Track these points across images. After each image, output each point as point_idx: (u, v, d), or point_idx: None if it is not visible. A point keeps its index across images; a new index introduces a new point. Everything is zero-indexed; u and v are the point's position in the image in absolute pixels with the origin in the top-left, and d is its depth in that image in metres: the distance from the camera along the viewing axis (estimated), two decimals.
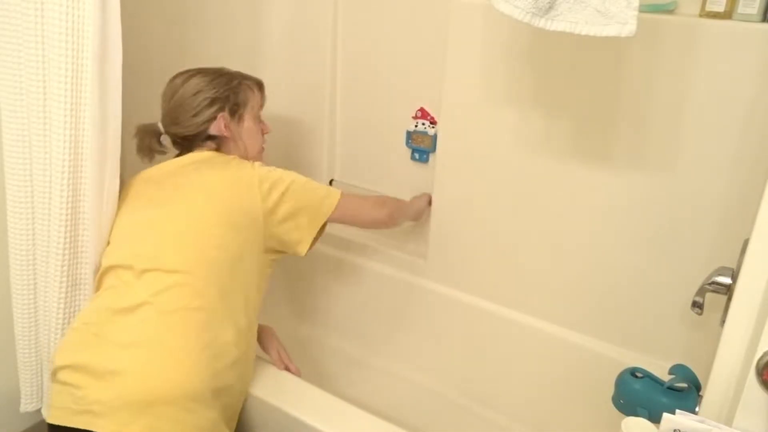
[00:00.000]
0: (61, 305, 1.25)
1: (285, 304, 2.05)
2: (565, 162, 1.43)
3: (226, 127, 1.35)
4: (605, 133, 1.36)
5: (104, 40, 1.13)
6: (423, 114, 1.66)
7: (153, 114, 1.40)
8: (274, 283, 1.80)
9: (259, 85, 1.44)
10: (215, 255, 1.18)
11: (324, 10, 1.72)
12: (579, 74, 1.36)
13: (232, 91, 1.36)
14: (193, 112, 1.32)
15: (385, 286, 1.82)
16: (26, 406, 1.41)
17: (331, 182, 1.89)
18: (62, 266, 1.22)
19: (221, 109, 1.34)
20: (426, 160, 1.70)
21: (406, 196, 1.76)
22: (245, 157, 1.38)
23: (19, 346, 1.35)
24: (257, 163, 1.32)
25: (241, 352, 1.20)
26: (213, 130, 1.34)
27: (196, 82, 1.33)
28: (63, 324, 1.26)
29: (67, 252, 1.22)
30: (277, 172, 1.30)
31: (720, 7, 1.20)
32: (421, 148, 1.69)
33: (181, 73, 1.37)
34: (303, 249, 1.34)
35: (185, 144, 1.36)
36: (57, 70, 1.12)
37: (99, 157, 1.19)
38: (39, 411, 1.42)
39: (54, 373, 1.14)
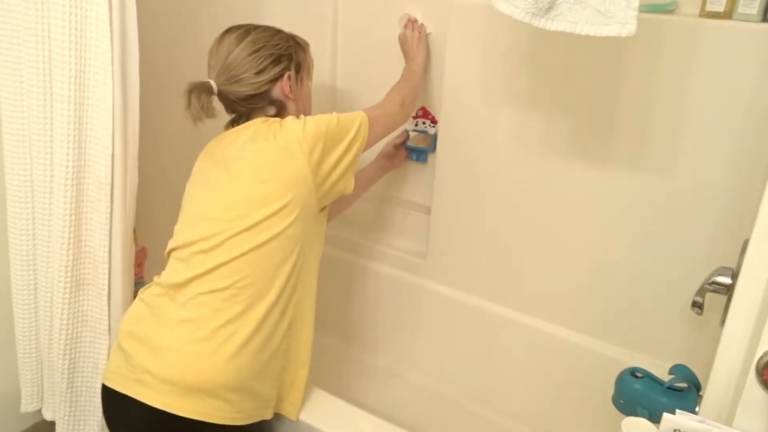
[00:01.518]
0: (65, 306, 1.25)
1: None
2: (565, 162, 1.43)
3: (291, 88, 1.25)
4: (605, 133, 1.36)
5: (124, 39, 1.13)
6: (424, 113, 1.66)
7: (154, 113, 1.39)
8: None
9: (308, 47, 1.34)
10: (262, 238, 1.13)
11: (324, 9, 1.72)
12: (579, 74, 1.36)
13: (294, 49, 1.26)
14: (257, 68, 1.20)
15: (385, 286, 1.82)
16: (26, 406, 1.41)
17: None
18: (66, 267, 1.22)
19: (287, 68, 1.24)
20: (424, 161, 1.70)
21: (407, 196, 1.77)
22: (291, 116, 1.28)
23: (20, 346, 1.35)
24: (292, 120, 1.20)
25: (292, 331, 1.21)
26: (277, 91, 1.23)
27: (256, 37, 1.21)
28: (67, 324, 1.26)
29: (70, 252, 1.22)
30: (311, 126, 1.19)
31: (720, 7, 1.20)
32: (419, 148, 1.68)
33: (235, 28, 1.24)
34: (351, 186, 1.27)
35: (243, 106, 1.23)
36: (61, 69, 1.12)
37: (121, 155, 1.19)
38: (39, 411, 1.42)
39: (117, 337, 1.16)
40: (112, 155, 1.17)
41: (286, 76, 1.23)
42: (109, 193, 1.20)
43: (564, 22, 1.06)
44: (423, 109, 1.66)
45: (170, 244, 1.20)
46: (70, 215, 1.20)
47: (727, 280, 1.00)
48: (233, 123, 1.27)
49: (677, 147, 1.29)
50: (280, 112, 1.26)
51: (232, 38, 1.21)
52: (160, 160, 1.60)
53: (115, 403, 1.13)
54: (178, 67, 1.55)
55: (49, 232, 1.23)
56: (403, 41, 1.59)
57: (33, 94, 1.15)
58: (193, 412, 1.07)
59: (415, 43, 1.55)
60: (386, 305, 1.83)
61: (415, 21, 1.58)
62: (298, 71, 1.27)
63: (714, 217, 1.29)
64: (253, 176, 1.15)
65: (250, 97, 1.21)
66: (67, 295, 1.24)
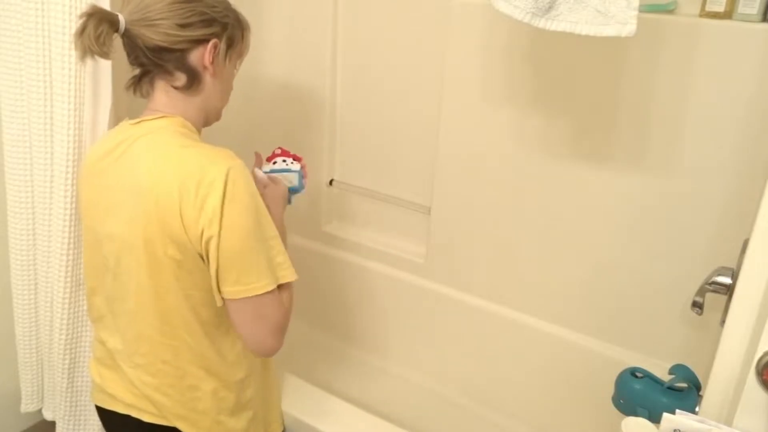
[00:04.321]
0: (66, 305, 1.25)
1: None
2: (564, 162, 1.43)
3: (212, 59, 1.01)
4: (605, 133, 1.36)
5: None
6: (283, 152, 1.31)
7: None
8: None
9: (248, 30, 1.11)
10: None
11: (324, 10, 1.72)
12: (579, 74, 1.36)
13: (233, 22, 1.05)
14: (181, 20, 0.97)
15: (385, 286, 1.81)
16: (27, 406, 1.41)
17: (331, 182, 1.89)
18: (66, 266, 1.22)
19: (217, 36, 1.01)
20: (290, 203, 1.24)
21: (407, 196, 1.76)
22: (203, 110, 1.06)
23: (20, 346, 1.35)
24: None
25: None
26: (195, 56, 0.99)
27: None
28: (67, 324, 1.26)
29: (71, 252, 1.22)
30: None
31: (720, 7, 1.20)
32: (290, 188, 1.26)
33: None
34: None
35: (149, 59, 0.98)
36: (61, 69, 1.12)
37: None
38: (39, 411, 1.42)
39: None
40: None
41: (212, 42, 1.00)
42: None
43: (564, 22, 1.06)
44: (281, 149, 1.32)
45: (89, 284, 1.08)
46: (70, 215, 1.19)
47: (727, 280, 1.00)
48: (134, 89, 1.04)
49: (677, 147, 1.29)
50: (191, 85, 1.01)
51: None
52: None
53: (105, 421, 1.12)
54: None
55: (50, 231, 1.23)
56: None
57: (34, 93, 1.15)
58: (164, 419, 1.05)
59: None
60: (386, 305, 1.83)
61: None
62: (228, 46, 1.04)
63: (714, 217, 1.29)
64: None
65: (160, 50, 0.97)
66: (67, 295, 1.24)
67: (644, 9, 1.23)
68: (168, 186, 0.92)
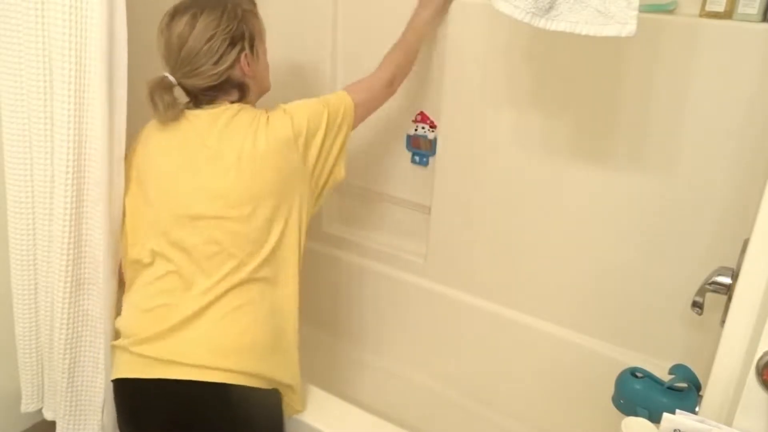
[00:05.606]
0: (66, 305, 1.25)
1: None
2: (564, 161, 1.43)
3: (249, 66, 1.20)
4: (605, 133, 1.36)
5: (111, 39, 1.12)
6: (423, 118, 1.66)
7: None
8: None
9: (255, 5, 1.26)
10: (258, 235, 1.18)
11: (324, 10, 1.72)
12: (579, 74, 1.36)
13: (245, 21, 1.19)
14: (215, 59, 1.15)
15: (385, 286, 1.82)
16: (27, 406, 1.41)
17: None
18: (66, 266, 1.22)
19: (242, 48, 1.18)
20: (426, 164, 1.70)
21: (407, 196, 1.77)
22: (260, 93, 1.29)
23: (20, 346, 1.35)
24: (277, 116, 1.20)
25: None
26: (237, 74, 1.19)
27: (205, 24, 1.14)
28: (67, 324, 1.26)
29: (71, 252, 1.22)
30: (299, 115, 1.20)
31: (720, 7, 1.20)
32: (422, 151, 1.69)
33: (177, 14, 1.16)
34: (343, 174, 1.29)
35: (206, 95, 1.20)
36: (60, 69, 1.11)
37: (106, 157, 1.18)
38: (39, 411, 1.42)
39: (127, 348, 1.18)
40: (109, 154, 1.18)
41: (243, 55, 1.18)
42: (105, 192, 1.20)
43: (564, 22, 1.06)
44: (421, 113, 1.66)
45: (147, 247, 1.20)
46: (71, 215, 1.19)
47: (727, 280, 1.00)
48: (194, 105, 1.23)
49: (677, 147, 1.29)
50: (244, 94, 1.22)
51: (182, 25, 1.14)
52: None
53: (138, 394, 1.16)
54: None
55: (50, 232, 1.23)
56: None
57: (33, 93, 1.15)
58: (226, 377, 1.11)
59: None
60: (386, 305, 1.83)
61: None
62: (252, 45, 1.21)
63: (714, 217, 1.29)
64: (248, 169, 1.15)
65: (209, 87, 1.18)
66: (67, 295, 1.24)
67: (644, 9, 1.23)
68: None
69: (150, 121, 1.24)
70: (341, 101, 1.26)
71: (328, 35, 1.74)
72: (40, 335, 1.34)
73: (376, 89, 1.35)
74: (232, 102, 1.21)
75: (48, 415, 1.41)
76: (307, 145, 1.19)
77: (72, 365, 1.31)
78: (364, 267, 1.84)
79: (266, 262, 1.18)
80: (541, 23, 1.08)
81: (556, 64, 1.38)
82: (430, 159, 1.68)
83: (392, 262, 1.80)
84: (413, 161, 1.72)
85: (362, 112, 1.31)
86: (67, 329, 1.27)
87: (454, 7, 1.48)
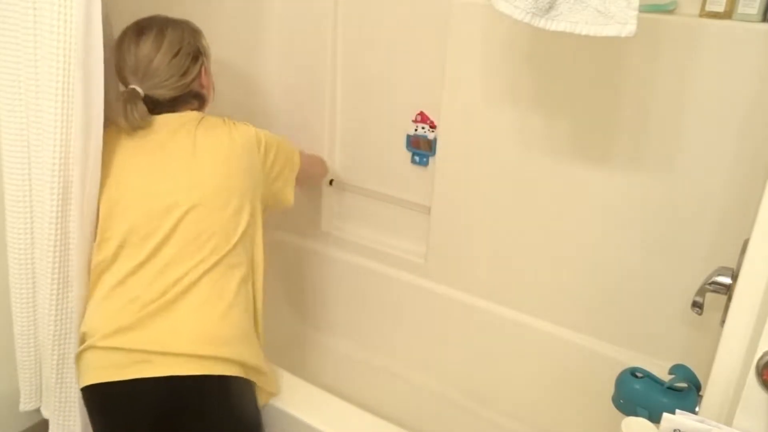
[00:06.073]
0: (53, 304, 1.25)
1: (285, 304, 2.05)
2: (564, 162, 1.43)
3: (206, 79, 1.32)
4: (605, 133, 1.36)
5: (88, 39, 1.12)
6: (423, 118, 1.66)
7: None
8: (274, 283, 1.80)
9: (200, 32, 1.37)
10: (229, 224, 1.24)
11: (324, 10, 1.72)
12: (579, 74, 1.36)
13: (198, 40, 1.31)
14: (182, 71, 1.25)
15: (385, 286, 1.82)
16: (26, 405, 1.41)
17: (331, 182, 1.89)
18: (53, 264, 1.22)
19: (202, 63, 1.30)
20: (426, 164, 1.70)
21: (407, 196, 1.77)
22: (209, 104, 1.38)
23: (18, 345, 1.35)
24: (246, 123, 1.32)
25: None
26: (196, 85, 1.29)
27: (170, 40, 1.24)
28: (55, 323, 1.26)
29: (57, 251, 1.22)
30: (262, 132, 1.34)
31: (720, 7, 1.20)
32: (422, 151, 1.69)
33: (144, 30, 1.24)
34: (291, 199, 1.43)
35: (167, 106, 1.27)
36: (48, 69, 1.11)
37: (82, 157, 1.18)
38: (39, 410, 1.42)
39: (94, 344, 1.17)
40: (83, 151, 1.18)
41: (203, 69, 1.30)
42: (79, 192, 1.20)
43: (564, 22, 1.06)
44: (422, 113, 1.66)
45: (113, 237, 1.22)
46: (57, 214, 1.19)
47: (727, 280, 1.00)
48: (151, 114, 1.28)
49: (677, 147, 1.29)
50: (202, 103, 1.33)
51: (149, 42, 1.23)
52: None
53: (112, 397, 1.14)
54: None
55: (41, 229, 1.23)
56: None
57: (30, 93, 1.15)
58: (206, 368, 1.12)
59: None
60: (386, 305, 1.83)
61: None
62: (206, 58, 1.33)
63: (714, 217, 1.29)
64: (223, 163, 1.23)
65: (175, 98, 1.27)
66: (54, 293, 1.25)
67: (644, 9, 1.24)
68: None
69: (110, 126, 1.24)
70: (291, 144, 1.44)
71: (328, 35, 1.74)
72: (38, 334, 1.34)
73: (312, 159, 1.68)
74: (192, 110, 1.30)
75: (46, 414, 1.41)
76: (266, 153, 1.32)
77: (60, 362, 1.31)
78: (364, 267, 1.84)
79: (237, 248, 1.24)
80: (541, 23, 1.08)
81: (556, 64, 1.38)
82: (430, 159, 1.69)
83: (392, 262, 1.80)
84: (413, 161, 1.72)
85: (301, 172, 1.47)
86: (55, 325, 1.27)
87: (454, 7, 1.48)
